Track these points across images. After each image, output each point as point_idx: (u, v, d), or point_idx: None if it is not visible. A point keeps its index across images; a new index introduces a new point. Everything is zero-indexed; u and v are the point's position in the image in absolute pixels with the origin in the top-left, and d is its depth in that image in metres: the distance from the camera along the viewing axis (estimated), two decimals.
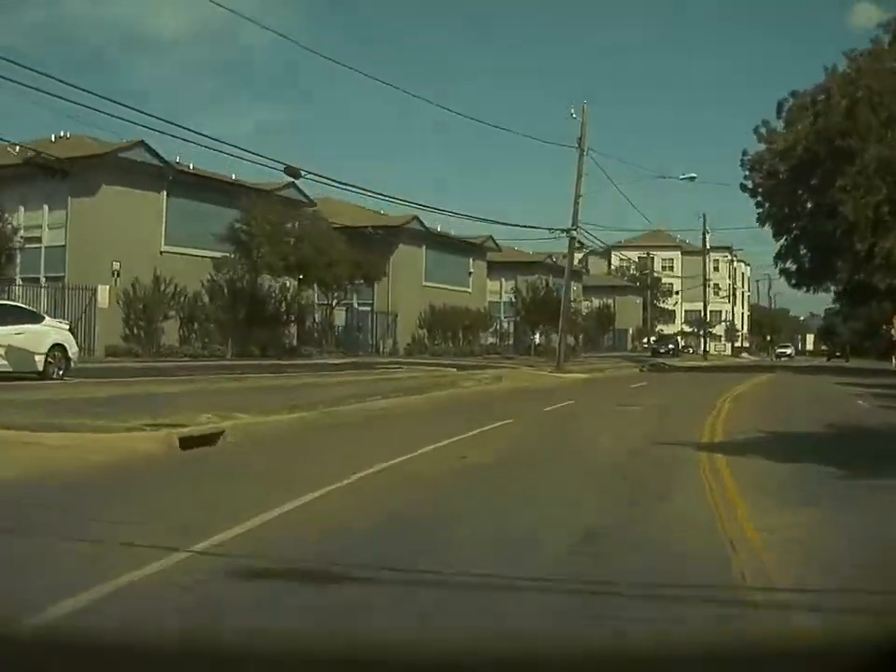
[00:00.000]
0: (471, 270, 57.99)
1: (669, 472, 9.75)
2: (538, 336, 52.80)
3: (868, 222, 35.64)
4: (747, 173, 45.37)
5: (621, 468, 9.98)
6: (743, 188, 46.18)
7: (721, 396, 23.11)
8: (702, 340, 76.97)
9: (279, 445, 11.69)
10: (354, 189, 44.78)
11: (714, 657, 2.60)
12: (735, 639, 3.99)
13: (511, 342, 60.48)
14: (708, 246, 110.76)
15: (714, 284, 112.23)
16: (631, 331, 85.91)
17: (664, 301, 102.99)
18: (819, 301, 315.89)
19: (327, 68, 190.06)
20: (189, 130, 24.81)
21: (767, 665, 2.34)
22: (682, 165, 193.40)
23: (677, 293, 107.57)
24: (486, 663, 2.62)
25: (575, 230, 39.07)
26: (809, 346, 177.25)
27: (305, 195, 40.30)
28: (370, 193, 29.38)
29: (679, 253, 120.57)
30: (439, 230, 53.28)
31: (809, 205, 42.25)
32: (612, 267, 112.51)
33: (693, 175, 41.43)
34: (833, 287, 47.89)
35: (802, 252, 44.96)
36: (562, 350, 38.50)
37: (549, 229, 38.56)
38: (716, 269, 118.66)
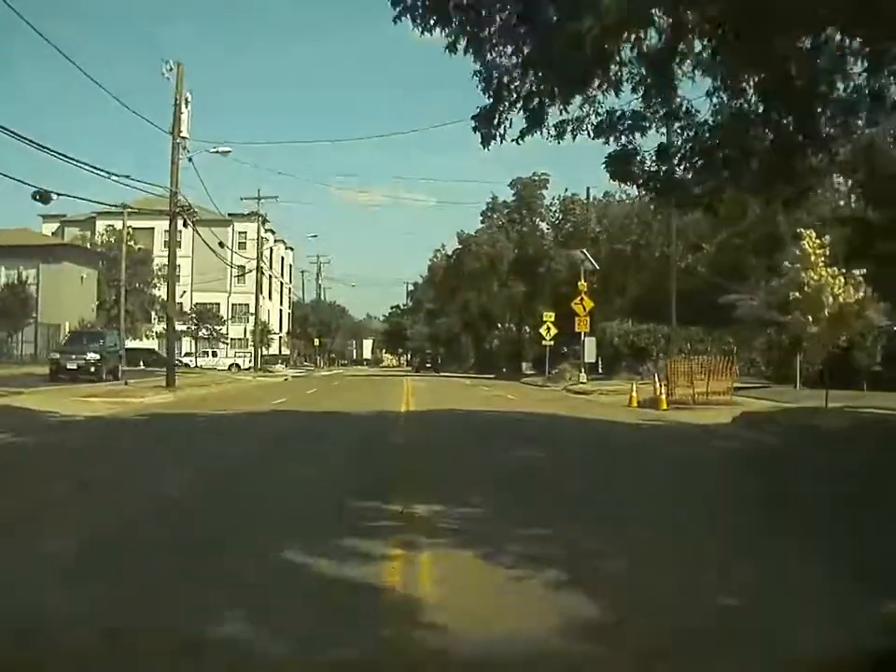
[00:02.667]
0: None
1: None
2: None
3: None
4: None
5: None
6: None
7: None
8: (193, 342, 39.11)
9: None
10: None
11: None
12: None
13: None
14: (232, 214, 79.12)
15: (240, 266, 78.37)
16: (67, 327, 44.76)
17: (156, 287, 64.11)
18: (380, 298, 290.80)
19: None
20: None
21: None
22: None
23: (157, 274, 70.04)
24: None
25: None
26: (367, 353, 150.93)
27: None
28: None
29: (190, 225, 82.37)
30: None
31: None
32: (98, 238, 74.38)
33: None
34: None
35: None
36: None
37: None
38: (242, 245, 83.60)
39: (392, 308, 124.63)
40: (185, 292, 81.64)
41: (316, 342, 78.06)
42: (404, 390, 31.80)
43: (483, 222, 56.64)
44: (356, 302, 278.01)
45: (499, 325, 67.08)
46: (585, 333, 36.05)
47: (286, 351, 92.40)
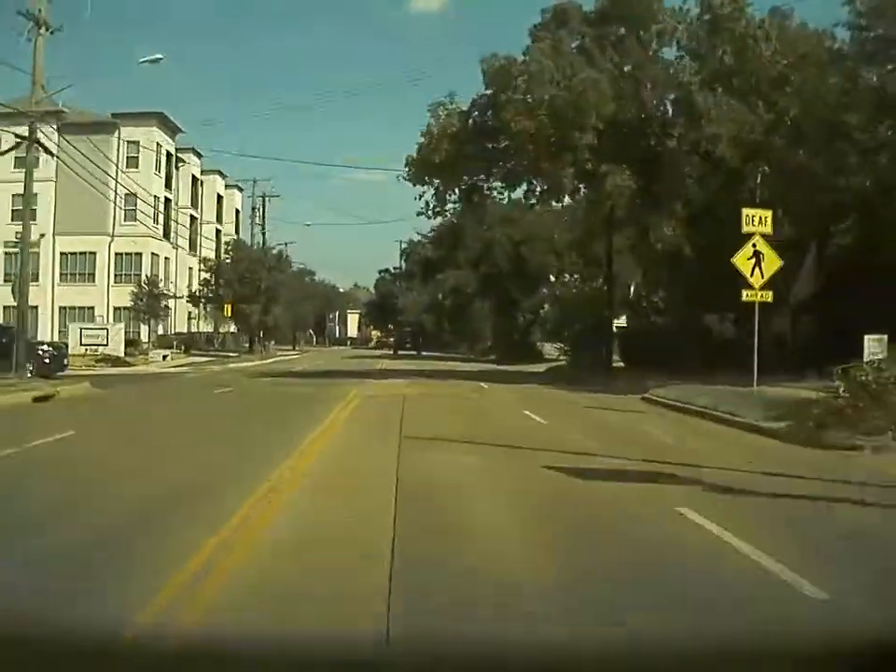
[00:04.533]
0: None
1: None
2: None
3: None
4: None
5: None
6: None
7: None
8: None
9: None
10: None
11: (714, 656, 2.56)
12: (736, 640, 3.72)
13: None
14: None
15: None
16: None
17: None
18: (367, 264, 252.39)
19: None
20: None
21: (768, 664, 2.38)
22: None
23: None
24: None
25: None
26: (353, 332, 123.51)
27: None
28: None
29: (55, 130, 53.65)
30: None
31: None
32: None
33: None
34: None
35: None
36: None
37: None
38: (132, 161, 54.41)
39: (380, 273, 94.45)
40: (43, 235, 52.66)
41: (227, 309, 47.92)
42: None
43: (534, 43, 25.74)
44: (340, 270, 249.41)
45: (552, 277, 37.46)
46: None
47: (229, 330, 63.26)
